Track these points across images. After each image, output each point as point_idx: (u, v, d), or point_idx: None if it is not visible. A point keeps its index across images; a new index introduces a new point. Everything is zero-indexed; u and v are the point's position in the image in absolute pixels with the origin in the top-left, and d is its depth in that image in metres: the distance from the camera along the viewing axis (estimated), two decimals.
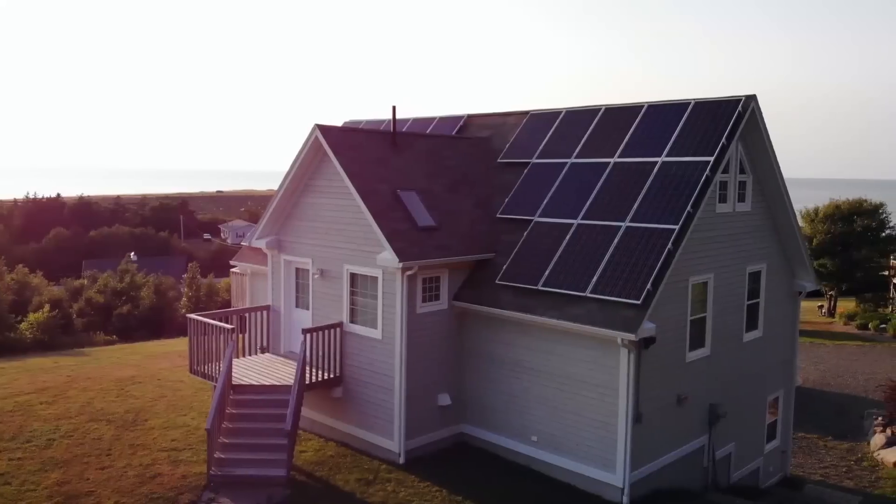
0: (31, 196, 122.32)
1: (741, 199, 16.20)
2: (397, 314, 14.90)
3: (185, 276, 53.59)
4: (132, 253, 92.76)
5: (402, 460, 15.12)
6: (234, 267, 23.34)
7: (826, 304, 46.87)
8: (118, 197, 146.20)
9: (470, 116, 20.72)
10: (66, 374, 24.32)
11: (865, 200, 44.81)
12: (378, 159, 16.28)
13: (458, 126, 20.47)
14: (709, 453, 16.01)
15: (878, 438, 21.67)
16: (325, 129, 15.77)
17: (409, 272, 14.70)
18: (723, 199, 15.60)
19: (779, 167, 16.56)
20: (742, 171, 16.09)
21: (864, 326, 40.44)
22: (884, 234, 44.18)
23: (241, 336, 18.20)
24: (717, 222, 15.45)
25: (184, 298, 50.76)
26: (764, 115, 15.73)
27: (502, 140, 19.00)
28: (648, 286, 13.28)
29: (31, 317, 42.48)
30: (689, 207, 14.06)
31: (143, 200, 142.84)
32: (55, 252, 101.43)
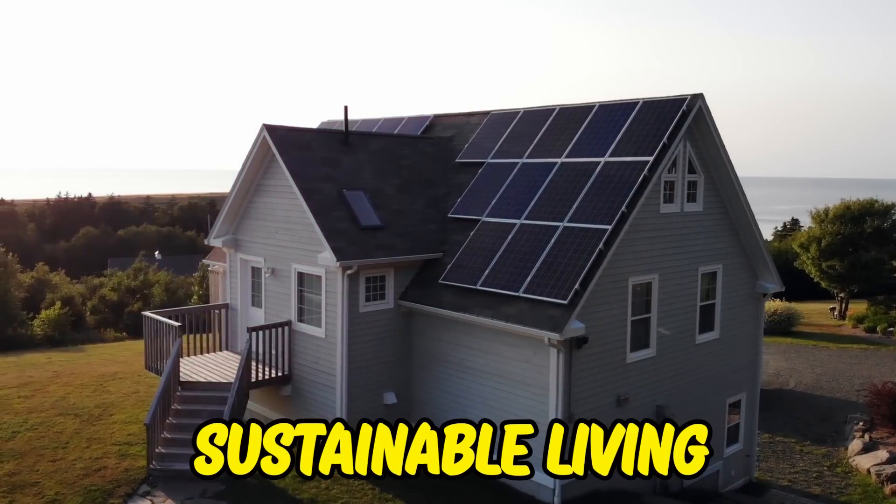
0: (62, 196, 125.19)
1: (691, 199, 16.01)
2: (338, 313, 15.04)
3: (195, 273, 54.39)
4: (157, 252, 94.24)
5: None
6: (211, 266, 23.72)
7: (837, 307, 45.91)
8: (148, 196, 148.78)
9: (436, 116, 20.78)
10: (53, 369, 24.89)
11: (877, 201, 43.77)
12: (326, 159, 16.42)
13: (424, 126, 20.55)
14: None
15: (855, 444, 21.22)
16: (271, 129, 15.97)
17: (349, 271, 14.82)
18: (669, 200, 15.43)
19: (732, 167, 16.33)
20: (692, 171, 15.90)
21: (872, 329, 39.52)
22: None
23: (203, 334, 18.53)
24: (662, 223, 15.29)
25: (194, 297, 51.51)
26: (787, 114, 15.61)
27: (464, 140, 19.04)
28: (577, 286, 13.23)
29: (43, 314, 43.52)
30: (623, 208, 13.97)
31: (172, 200, 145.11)
32: (84, 250, 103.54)
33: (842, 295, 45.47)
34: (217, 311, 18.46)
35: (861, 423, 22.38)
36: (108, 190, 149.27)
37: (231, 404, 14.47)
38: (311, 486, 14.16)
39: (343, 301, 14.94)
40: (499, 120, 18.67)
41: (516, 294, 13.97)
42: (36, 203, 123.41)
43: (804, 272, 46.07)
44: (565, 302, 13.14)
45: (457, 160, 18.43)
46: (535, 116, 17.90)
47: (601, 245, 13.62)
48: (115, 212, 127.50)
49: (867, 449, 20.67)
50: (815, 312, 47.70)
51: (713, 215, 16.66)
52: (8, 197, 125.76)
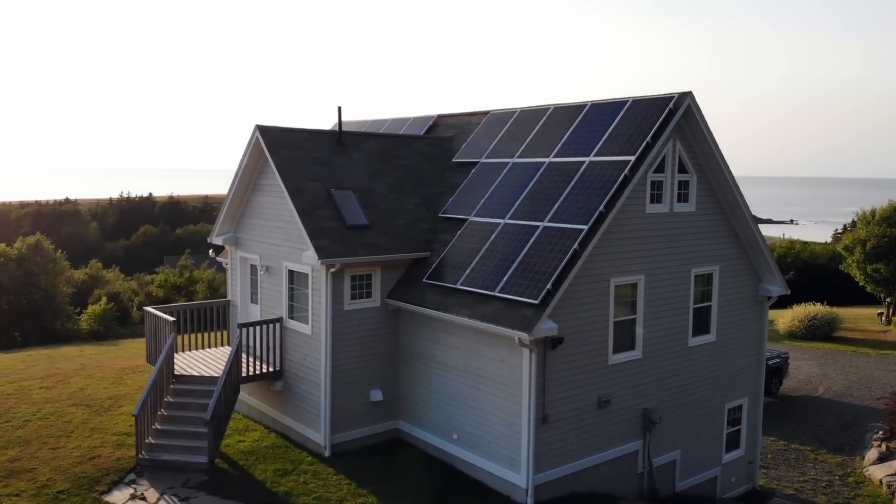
0: (124, 195, 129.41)
1: (683, 199, 15.73)
2: (323, 310, 15.27)
3: None
4: (211, 250, 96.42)
5: (327, 453, 15.48)
6: (224, 263, 24.23)
7: (885, 312, 44.23)
8: (206, 196, 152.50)
9: (440, 116, 20.88)
10: (81, 362, 25.84)
11: None
12: (318, 159, 16.68)
13: (428, 126, 20.66)
14: (644, 459, 15.64)
15: (871, 453, 20.49)
16: (263, 130, 16.31)
17: (332, 269, 15.04)
18: (657, 200, 15.19)
19: (727, 167, 15.96)
20: (683, 171, 15.62)
21: None
22: None
23: (212, 330, 19.02)
24: (649, 223, 15.07)
25: None
26: (834, 112, 15.14)
27: (463, 140, 19.09)
28: (548, 286, 13.16)
29: (90, 309, 45.15)
30: (601, 208, 13.82)
31: None
32: (142, 248, 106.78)
33: (889, 299, 43.85)
34: (220, 307, 18.89)
35: (880, 432, 21.59)
36: (168, 190, 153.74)
37: (216, 399, 14.82)
38: (290, 480, 14.45)
39: (327, 298, 15.17)
40: (497, 119, 18.66)
41: (492, 294, 13.98)
42: (99, 202, 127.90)
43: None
44: (536, 302, 13.09)
45: (453, 160, 18.50)
46: (530, 115, 17.84)
47: (576, 245, 13.51)
48: (174, 211, 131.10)
49: (883, 459, 19.95)
50: (862, 317, 46.12)
51: (708, 216, 16.31)
52: (73, 196, 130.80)
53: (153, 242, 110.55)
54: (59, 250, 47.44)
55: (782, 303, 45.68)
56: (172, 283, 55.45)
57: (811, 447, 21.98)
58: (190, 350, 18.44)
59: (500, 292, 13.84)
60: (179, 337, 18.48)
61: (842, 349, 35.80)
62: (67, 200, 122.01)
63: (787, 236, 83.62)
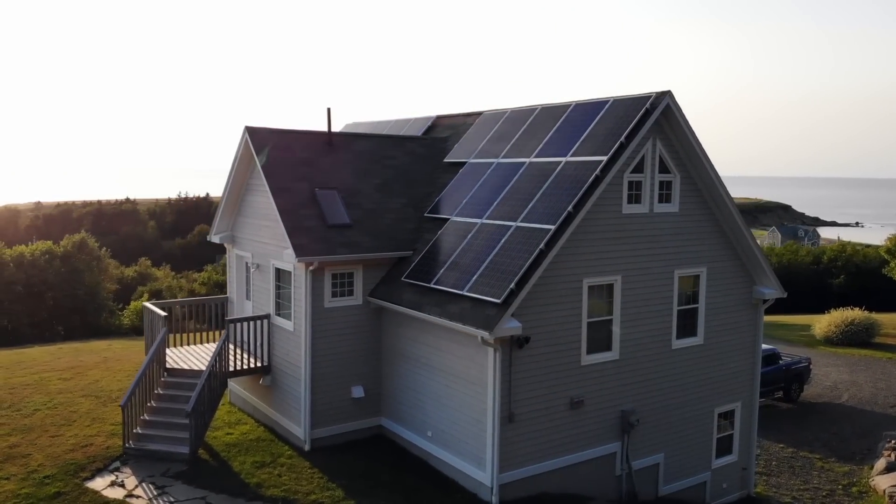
0: (181, 195, 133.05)
1: (665, 199, 15.55)
2: (303, 307, 15.61)
3: None
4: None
5: (307, 447, 15.81)
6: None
7: None
8: None
9: (439, 117, 21.03)
10: (105, 355, 26.83)
11: None
12: (306, 160, 17.03)
13: (427, 127, 20.84)
14: (622, 461, 15.51)
15: (879, 463, 19.82)
16: (252, 131, 16.75)
17: (311, 267, 15.36)
18: (635, 200, 15.06)
19: (712, 167, 15.71)
20: (665, 171, 15.44)
21: None
22: None
23: (213, 326, 19.61)
24: (626, 223, 14.95)
25: None
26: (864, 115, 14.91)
27: (457, 140, 19.21)
28: (512, 286, 13.20)
29: (133, 305, 46.75)
30: (570, 208, 13.78)
31: None
32: (197, 247, 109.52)
33: None
34: (219, 304, 19.45)
35: (893, 441, 20.88)
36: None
37: (199, 391, 15.28)
38: (265, 472, 14.81)
39: (307, 296, 15.50)
40: (489, 119, 18.74)
41: (461, 293, 14.08)
42: (157, 202, 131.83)
43: None
44: (499, 301, 13.15)
45: (444, 160, 18.64)
46: (518, 116, 17.86)
47: (542, 245, 13.51)
48: None
49: (890, 469, 19.30)
50: None
51: (694, 216, 16.07)
52: (132, 196, 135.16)
53: (208, 241, 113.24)
54: (104, 248, 49.19)
55: (823, 307, 44.44)
56: (214, 281, 56.92)
57: (820, 455, 21.38)
58: (188, 345, 19.02)
59: (468, 291, 13.95)
60: (181, 332, 19.14)
61: (878, 356, 34.58)
62: (127, 200, 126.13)
63: (839, 238, 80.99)
